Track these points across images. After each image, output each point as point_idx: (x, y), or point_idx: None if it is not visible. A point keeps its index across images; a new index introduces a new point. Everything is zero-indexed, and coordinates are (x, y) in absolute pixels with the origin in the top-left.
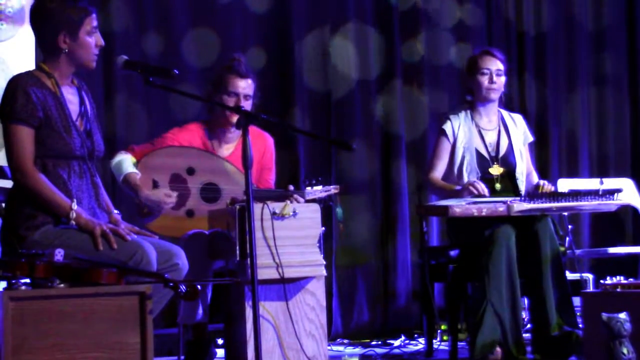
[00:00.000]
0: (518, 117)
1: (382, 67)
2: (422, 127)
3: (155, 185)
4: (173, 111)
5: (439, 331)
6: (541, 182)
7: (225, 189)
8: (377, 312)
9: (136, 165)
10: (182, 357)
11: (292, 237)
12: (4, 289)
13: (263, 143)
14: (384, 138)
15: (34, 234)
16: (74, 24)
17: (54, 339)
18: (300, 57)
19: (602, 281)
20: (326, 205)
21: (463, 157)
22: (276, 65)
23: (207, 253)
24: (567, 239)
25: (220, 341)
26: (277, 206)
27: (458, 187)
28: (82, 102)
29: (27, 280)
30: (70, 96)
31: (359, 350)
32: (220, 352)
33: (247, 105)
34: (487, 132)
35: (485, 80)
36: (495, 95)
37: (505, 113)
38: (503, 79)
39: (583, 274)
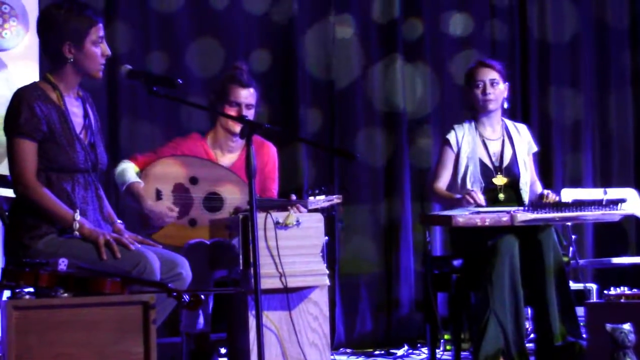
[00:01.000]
0: (522, 127)
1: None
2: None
3: (158, 194)
4: (176, 120)
5: (442, 341)
6: (545, 191)
7: (228, 198)
8: (380, 321)
9: (139, 174)
10: None
11: (296, 246)
12: (8, 298)
13: (266, 152)
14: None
15: (37, 243)
16: (79, 34)
17: (58, 349)
18: (303, 53)
19: (605, 292)
20: (329, 214)
21: (467, 167)
22: (280, 64)
23: (208, 262)
24: (571, 249)
25: (223, 350)
26: (280, 216)
27: (458, 196)
28: (86, 115)
29: (31, 290)
30: (75, 109)
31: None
32: None
33: (249, 114)
34: (491, 142)
35: (479, 92)
36: (492, 105)
37: (509, 123)
38: (501, 86)
39: (586, 284)
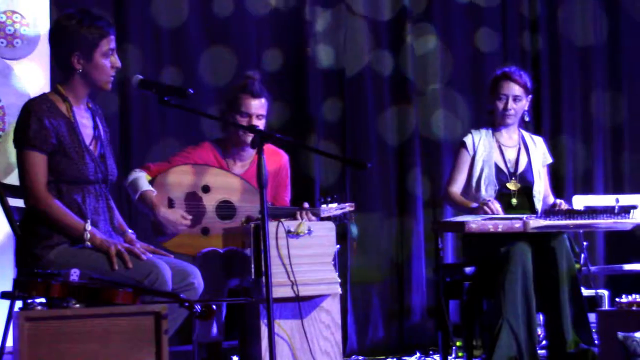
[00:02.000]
0: (538, 139)
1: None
2: (438, 143)
3: (170, 203)
4: (188, 129)
5: (454, 348)
6: (558, 201)
7: (240, 206)
8: (392, 328)
9: (151, 183)
10: None
11: (307, 255)
12: (20, 309)
13: (278, 160)
14: (398, 155)
15: (49, 253)
16: (89, 45)
17: None
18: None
19: (617, 299)
20: (341, 222)
21: (482, 170)
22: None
23: (222, 271)
24: (583, 255)
25: (235, 359)
26: (292, 224)
27: (474, 205)
28: (95, 127)
29: (43, 300)
30: (84, 120)
31: None
32: None
33: (260, 124)
34: (507, 149)
35: (500, 105)
36: (510, 121)
37: (526, 134)
38: (523, 102)
39: (598, 291)
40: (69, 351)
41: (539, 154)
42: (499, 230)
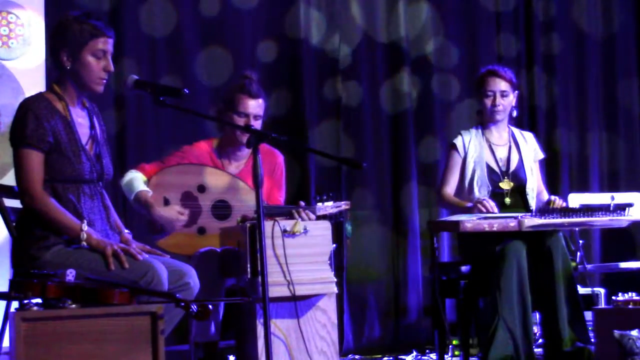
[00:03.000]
0: (529, 135)
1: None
2: (433, 142)
3: (166, 203)
4: (183, 129)
5: (450, 346)
6: (552, 197)
7: (236, 206)
8: (389, 327)
9: (147, 183)
10: None
11: (303, 254)
12: (16, 309)
13: (273, 160)
14: (394, 153)
15: (45, 254)
16: (77, 43)
17: None
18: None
19: (613, 297)
20: (337, 221)
21: (474, 171)
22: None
23: (219, 270)
24: (579, 254)
25: (231, 358)
26: (287, 224)
27: (469, 204)
28: (92, 126)
29: (39, 301)
30: (81, 119)
31: None
32: None
33: (257, 125)
34: (498, 148)
35: (489, 102)
36: (500, 117)
37: (516, 130)
38: (510, 98)
39: (594, 289)
40: (65, 351)
41: (530, 150)
42: (494, 229)
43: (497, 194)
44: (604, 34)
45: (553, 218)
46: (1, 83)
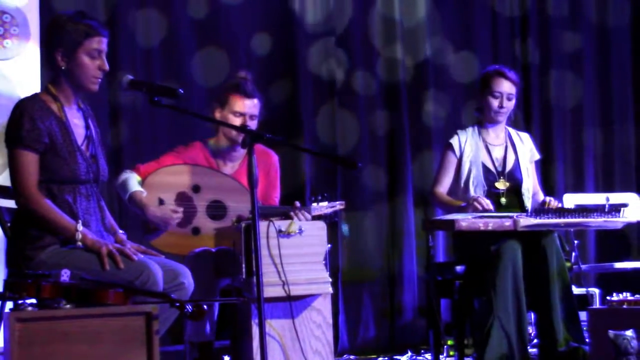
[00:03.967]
0: (525, 136)
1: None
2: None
3: (161, 203)
4: (178, 129)
5: (445, 346)
6: (547, 198)
7: (231, 206)
8: (384, 327)
9: (141, 183)
10: None
11: (298, 254)
12: (11, 310)
13: (268, 160)
14: (389, 151)
15: (40, 254)
16: (72, 42)
17: None
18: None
19: (608, 297)
20: (332, 221)
21: (469, 171)
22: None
23: (214, 271)
24: (573, 254)
25: (226, 358)
26: (282, 224)
27: (463, 204)
28: (87, 126)
29: (34, 301)
30: (76, 120)
31: None
32: None
33: (252, 124)
34: (494, 148)
35: (495, 103)
36: (502, 119)
37: (512, 131)
38: (513, 101)
39: (589, 289)
40: (59, 352)
41: (526, 150)
42: (489, 228)
43: (492, 194)
44: (598, 31)
45: (548, 218)
46: None
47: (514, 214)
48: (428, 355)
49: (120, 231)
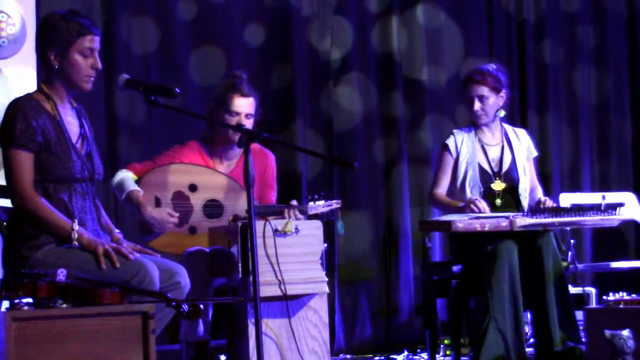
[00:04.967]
0: (522, 132)
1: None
2: (425, 140)
3: (157, 202)
4: (175, 129)
5: (441, 346)
6: (542, 198)
7: (227, 205)
8: (380, 327)
9: (138, 182)
10: None
11: (295, 254)
12: (7, 309)
13: (264, 160)
14: (386, 150)
15: (36, 253)
16: (65, 41)
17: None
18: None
19: (604, 297)
20: (328, 220)
21: (466, 172)
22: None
23: (208, 270)
24: (570, 253)
25: (223, 358)
26: (279, 223)
27: (461, 205)
28: (81, 125)
29: (30, 301)
30: (70, 118)
31: None
32: None
33: (248, 124)
34: (491, 148)
35: (470, 107)
36: (482, 120)
37: (509, 128)
38: (491, 101)
39: (586, 288)
40: (56, 351)
41: (523, 148)
42: (486, 229)
43: (488, 195)
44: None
45: (544, 217)
46: None
47: (511, 214)
48: (424, 355)
49: (117, 230)
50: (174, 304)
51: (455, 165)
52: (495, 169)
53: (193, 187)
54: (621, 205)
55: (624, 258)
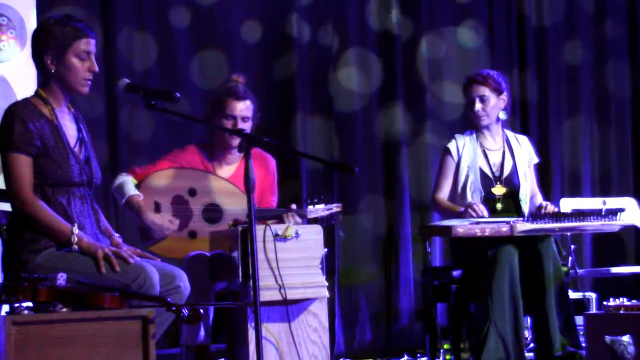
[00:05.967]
0: (523, 139)
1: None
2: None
3: (157, 207)
4: (174, 133)
5: (441, 351)
6: (544, 203)
7: (227, 209)
8: (380, 331)
9: (138, 187)
10: None
11: (295, 258)
12: (7, 313)
13: (265, 165)
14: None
15: (36, 257)
16: (61, 45)
17: None
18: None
19: (605, 302)
20: (328, 223)
21: (467, 177)
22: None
23: (209, 274)
24: (570, 258)
25: None
26: (279, 228)
27: (461, 210)
28: (79, 129)
29: (30, 305)
30: (68, 122)
31: None
32: None
33: (245, 127)
34: (492, 153)
35: (471, 108)
36: (483, 122)
37: (510, 134)
38: (492, 101)
39: (586, 294)
40: (55, 355)
41: (524, 154)
42: (486, 234)
43: (489, 200)
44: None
45: (545, 223)
46: None
47: (511, 219)
48: (424, 359)
49: (116, 234)
50: (174, 308)
51: (456, 169)
52: (497, 174)
53: (192, 192)
54: (622, 210)
55: (624, 263)
